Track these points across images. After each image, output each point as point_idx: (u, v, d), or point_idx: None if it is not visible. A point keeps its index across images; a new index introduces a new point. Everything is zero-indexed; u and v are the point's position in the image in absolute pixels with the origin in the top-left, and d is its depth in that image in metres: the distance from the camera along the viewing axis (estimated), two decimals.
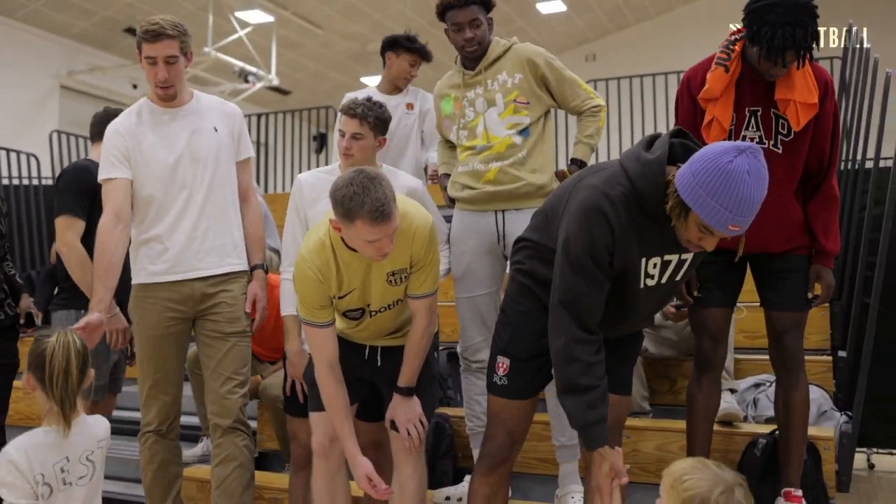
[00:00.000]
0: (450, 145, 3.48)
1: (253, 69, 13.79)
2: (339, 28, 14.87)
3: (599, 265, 2.32)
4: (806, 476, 3.15)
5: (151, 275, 3.12)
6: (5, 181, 7.63)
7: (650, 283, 2.41)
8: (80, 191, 3.37)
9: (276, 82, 14.40)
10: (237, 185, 3.26)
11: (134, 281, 3.18)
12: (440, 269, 3.37)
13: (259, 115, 10.15)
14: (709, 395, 3.02)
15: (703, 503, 1.88)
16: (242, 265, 3.22)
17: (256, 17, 13.68)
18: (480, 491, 2.65)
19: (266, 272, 3.27)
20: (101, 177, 3.15)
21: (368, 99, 3.16)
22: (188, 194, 3.11)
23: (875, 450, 6.50)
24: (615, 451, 2.33)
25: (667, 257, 2.39)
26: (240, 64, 13.54)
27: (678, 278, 2.46)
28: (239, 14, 13.45)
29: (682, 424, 3.16)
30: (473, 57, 3.28)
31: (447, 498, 3.32)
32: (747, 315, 4.46)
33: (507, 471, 2.68)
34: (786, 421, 2.98)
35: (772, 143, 2.82)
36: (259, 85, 14.07)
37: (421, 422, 2.84)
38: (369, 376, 2.94)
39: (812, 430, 3.44)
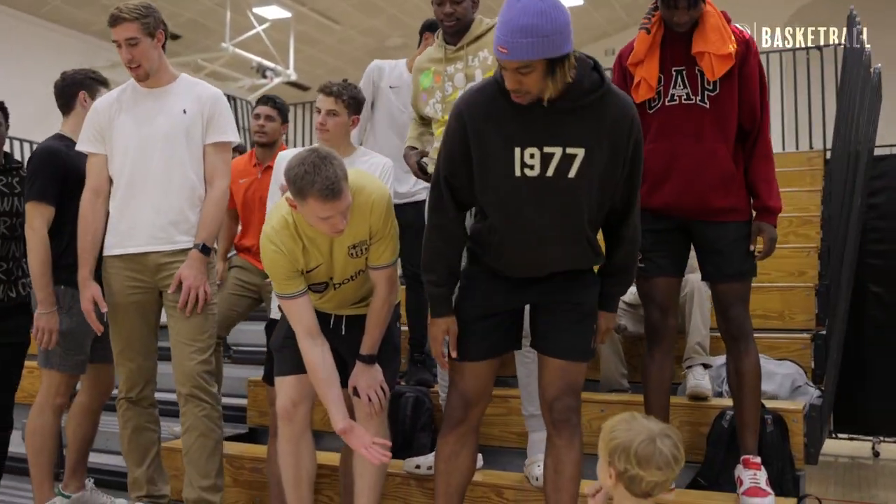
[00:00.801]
0: (423, 122, 3.54)
1: (271, 65, 13.93)
2: (356, 23, 14.96)
3: (451, 153, 2.51)
4: (771, 447, 3.20)
5: (108, 247, 3.26)
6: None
7: (530, 173, 2.40)
8: (49, 176, 3.40)
9: (294, 77, 14.52)
10: (203, 167, 3.30)
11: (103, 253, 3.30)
12: None
13: None
14: (661, 366, 3.09)
15: (626, 451, 1.98)
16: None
17: (274, 12, 13.81)
18: (441, 451, 2.73)
19: (207, 254, 3.25)
20: (78, 147, 3.33)
21: (345, 80, 3.28)
22: (144, 171, 3.21)
23: (881, 438, 6.50)
24: (453, 320, 2.64)
25: (547, 149, 2.39)
26: (257, 59, 13.68)
27: (571, 175, 2.40)
28: (257, 10, 13.59)
29: None
30: (453, 32, 3.33)
31: (417, 466, 3.38)
32: None
33: (468, 431, 2.71)
34: (738, 389, 3.03)
35: (698, 98, 2.96)
36: (277, 80, 14.19)
37: (382, 388, 2.92)
38: (334, 345, 3.01)
39: (782, 404, 3.49)
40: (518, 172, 2.41)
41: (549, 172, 2.40)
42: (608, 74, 2.64)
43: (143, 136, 3.23)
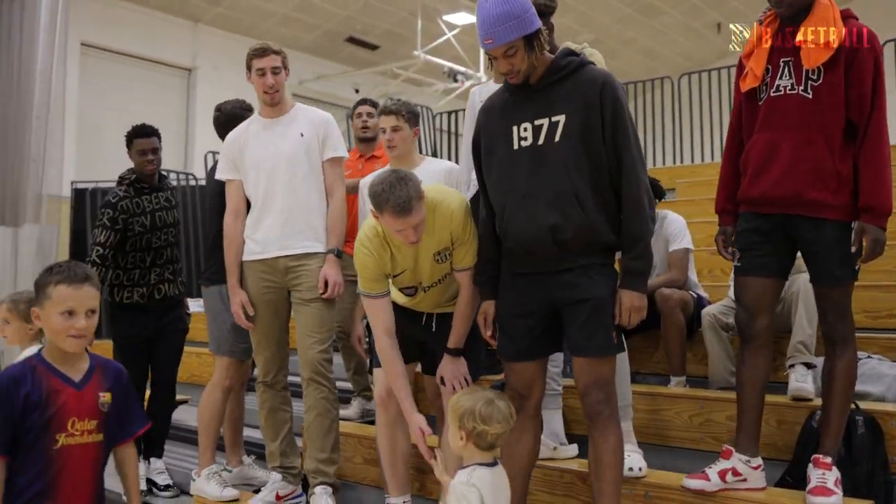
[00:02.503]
0: None
1: (461, 69, 14.48)
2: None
3: (469, 148, 3.17)
4: (861, 449, 3.17)
5: (246, 254, 3.79)
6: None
7: (525, 143, 2.86)
8: None
9: (484, 80, 14.99)
10: (323, 181, 3.78)
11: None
12: None
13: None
14: (752, 365, 3.10)
15: (471, 413, 2.55)
16: (319, 248, 3.72)
17: (463, 18, 14.32)
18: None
19: (340, 256, 3.72)
20: (217, 176, 3.93)
21: (399, 99, 3.69)
22: (273, 189, 3.72)
23: None
24: (491, 303, 3.02)
25: (537, 122, 2.84)
26: (448, 64, 14.28)
27: (557, 139, 2.80)
28: (447, 17, 14.19)
29: None
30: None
31: None
32: (870, 293, 4.37)
33: (526, 418, 2.94)
34: (827, 390, 3.04)
35: (801, 88, 2.98)
36: (468, 83, 14.72)
37: (466, 379, 3.21)
38: (426, 339, 3.37)
39: (884, 406, 3.44)
40: (516, 146, 2.87)
41: (540, 140, 2.83)
42: None
43: (271, 159, 3.74)
